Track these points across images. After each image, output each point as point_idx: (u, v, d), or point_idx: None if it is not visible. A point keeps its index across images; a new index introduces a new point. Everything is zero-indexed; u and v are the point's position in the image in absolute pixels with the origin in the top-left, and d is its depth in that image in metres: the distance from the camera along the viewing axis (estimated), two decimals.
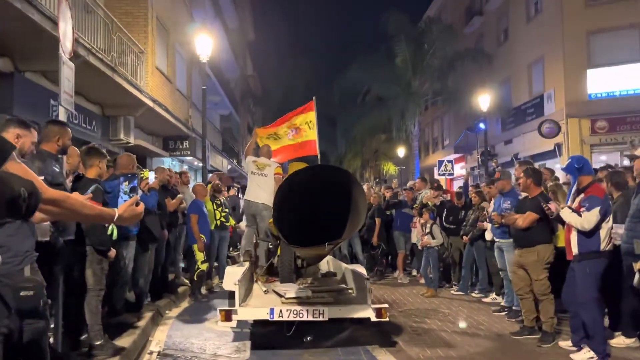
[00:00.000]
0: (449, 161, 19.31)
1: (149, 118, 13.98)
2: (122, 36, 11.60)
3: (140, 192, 5.92)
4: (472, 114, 23.03)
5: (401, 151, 34.34)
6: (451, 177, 20.42)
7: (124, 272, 5.66)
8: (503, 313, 7.07)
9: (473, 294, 8.55)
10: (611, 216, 5.06)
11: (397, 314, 7.26)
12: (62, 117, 4.61)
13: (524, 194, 6.25)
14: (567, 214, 5.10)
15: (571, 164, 5.23)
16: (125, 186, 2.79)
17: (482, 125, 21.18)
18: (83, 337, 4.68)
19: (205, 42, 13.03)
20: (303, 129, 9.05)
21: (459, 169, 23.37)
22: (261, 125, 41.51)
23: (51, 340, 4.33)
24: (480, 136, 22.42)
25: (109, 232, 4.50)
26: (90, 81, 10.20)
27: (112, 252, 4.77)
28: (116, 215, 2.38)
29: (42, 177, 3.89)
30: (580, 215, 4.97)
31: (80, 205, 2.27)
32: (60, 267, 4.16)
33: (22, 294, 3.16)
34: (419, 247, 9.43)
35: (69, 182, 4.51)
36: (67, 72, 4.58)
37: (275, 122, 9.44)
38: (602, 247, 4.96)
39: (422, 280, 9.51)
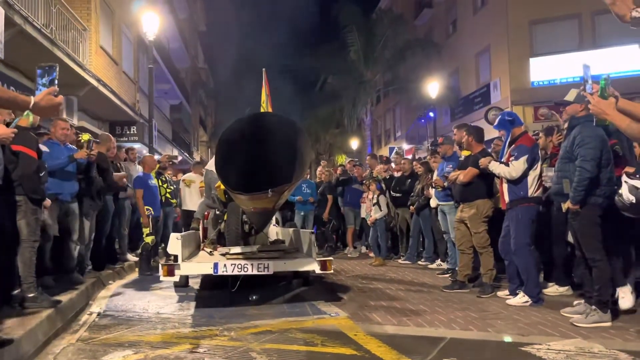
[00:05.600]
0: (399, 147, 19.68)
1: (94, 100, 13.54)
2: (62, 10, 11.19)
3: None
4: (422, 105, 23.46)
5: (354, 143, 34.66)
6: None
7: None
8: (447, 275, 7.26)
9: (420, 262, 8.75)
10: (539, 163, 5.32)
11: (344, 278, 7.34)
12: None
13: (464, 155, 6.45)
14: (495, 166, 5.36)
15: (502, 119, 5.49)
16: (44, 80, 2.61)
17: (431, 114, 21.65)
18: (15, 291, 4.48)
19: (152, 20, 12.74)
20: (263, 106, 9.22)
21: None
22: (214, 117, 40.85)
23: None
24: (430, 126, 22.92)
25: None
26: (27, 55, 9.79)
27: (47, 202, 4.59)
28: (32, 102, 2.29)
29: None
30: (508, 166, 5.20)
31: None
32: None
33: None
34: (368, 223, 9.56)
35: None
36: None
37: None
38: (530, 192, 5.22)
39: (372, 254, 9.64)
